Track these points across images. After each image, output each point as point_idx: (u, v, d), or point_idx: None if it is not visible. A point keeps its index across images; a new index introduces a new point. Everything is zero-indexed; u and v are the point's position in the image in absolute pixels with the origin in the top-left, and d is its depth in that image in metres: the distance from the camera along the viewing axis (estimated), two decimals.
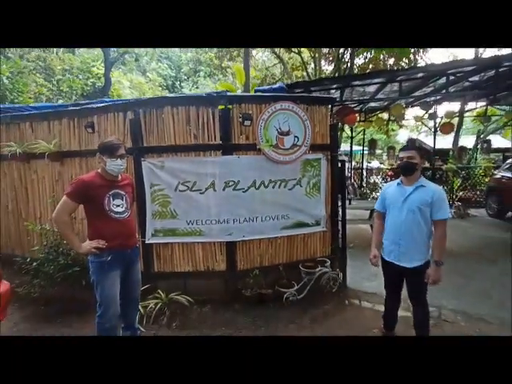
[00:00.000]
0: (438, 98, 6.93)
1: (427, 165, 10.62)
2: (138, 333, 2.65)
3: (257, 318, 3.05)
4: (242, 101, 3.21)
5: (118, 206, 2.27)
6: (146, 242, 3.22)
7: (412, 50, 10.27)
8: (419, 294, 2.36)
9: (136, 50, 14.01)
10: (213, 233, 3.26)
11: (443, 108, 7.96)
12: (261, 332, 2.83)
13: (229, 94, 3.58)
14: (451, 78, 4.77)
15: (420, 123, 12.14)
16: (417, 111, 8.91)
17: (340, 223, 3.68)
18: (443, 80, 4.96)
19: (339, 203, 3.65)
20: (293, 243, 3.46)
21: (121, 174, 2.35)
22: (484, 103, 7.72)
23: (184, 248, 3.30)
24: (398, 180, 2.45)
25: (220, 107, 3.17)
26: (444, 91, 5.25)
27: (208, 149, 3.18)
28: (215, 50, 14.92)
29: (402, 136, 22.63)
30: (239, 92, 3.91)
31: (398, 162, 2.41)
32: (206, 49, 16.48)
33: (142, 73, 20.49)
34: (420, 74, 4.86)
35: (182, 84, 23.21)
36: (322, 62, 13.93)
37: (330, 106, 3.53)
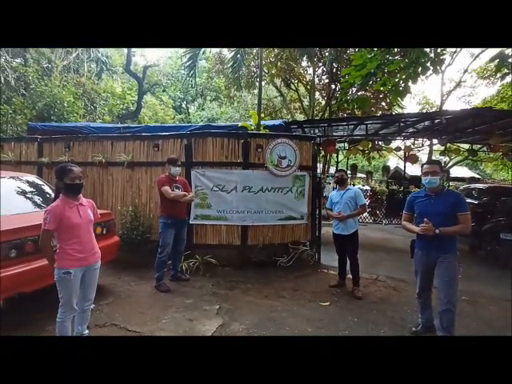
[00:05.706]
0: (403, 135, 8.96)
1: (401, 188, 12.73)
2: (178, 274, 4.35)
3: (259, 274, 4.76)
4: (256, 136, 5.08)
5: None
6: (190, 222, 4.95)
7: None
8: (353, 252, 4.10)
9: (164, 81, 15.80)
10: (233, 219, 5.01)
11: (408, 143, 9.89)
12: (261, 280, 4.51)
13: (248, 132, 5.46)
14: (401, 124, 6.77)
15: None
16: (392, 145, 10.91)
17: (317, 219, 5.46)
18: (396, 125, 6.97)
19: (316, 205, 5.46)
20: (285, 230, 5.20)
21: (178, 176, 4.16)
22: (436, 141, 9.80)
23: (214, 228, 5.04)
24: (336, 188, 4.34)
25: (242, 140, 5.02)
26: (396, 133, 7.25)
27: (234, 165, 5.00)
28: (224, 79, 17.05)
29: (392, 162, 25.13)
30: (253, 128, 5.81)
31: (336, 177, 4.28)
32: (215, 77, 18.70)
33: (151, 93, 22.60)
34: (380, 121, 6.85)
35: (188, 105, 25.52)
36: (316, 95, 16.04)
37: (312, 142, 5.40)
